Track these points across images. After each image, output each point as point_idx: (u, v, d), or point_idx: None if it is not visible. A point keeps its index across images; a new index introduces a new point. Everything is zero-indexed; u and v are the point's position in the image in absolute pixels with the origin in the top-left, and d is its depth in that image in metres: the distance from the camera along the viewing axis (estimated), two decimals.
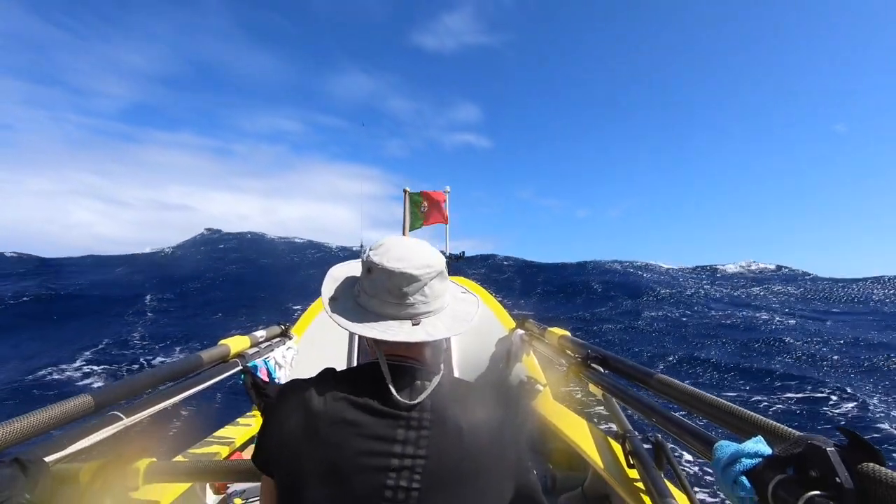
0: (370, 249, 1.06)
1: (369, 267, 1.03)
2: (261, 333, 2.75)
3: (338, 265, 1.19)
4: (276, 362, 2.70)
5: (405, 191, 5.67)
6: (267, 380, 2.51)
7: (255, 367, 2.44)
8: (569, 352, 2.52)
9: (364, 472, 0.90)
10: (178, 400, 1.76)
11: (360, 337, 1.08)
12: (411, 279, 1.00)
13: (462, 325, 1.07)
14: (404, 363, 1.02)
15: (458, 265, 5.45)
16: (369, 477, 0.90)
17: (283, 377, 2.74)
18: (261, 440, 1.04)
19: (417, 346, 1.05)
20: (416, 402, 0.95)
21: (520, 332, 3.41)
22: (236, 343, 2.43)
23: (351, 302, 1.07)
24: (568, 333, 2.74)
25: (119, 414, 1.45)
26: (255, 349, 2.57)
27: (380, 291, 1.01)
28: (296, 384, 1.04)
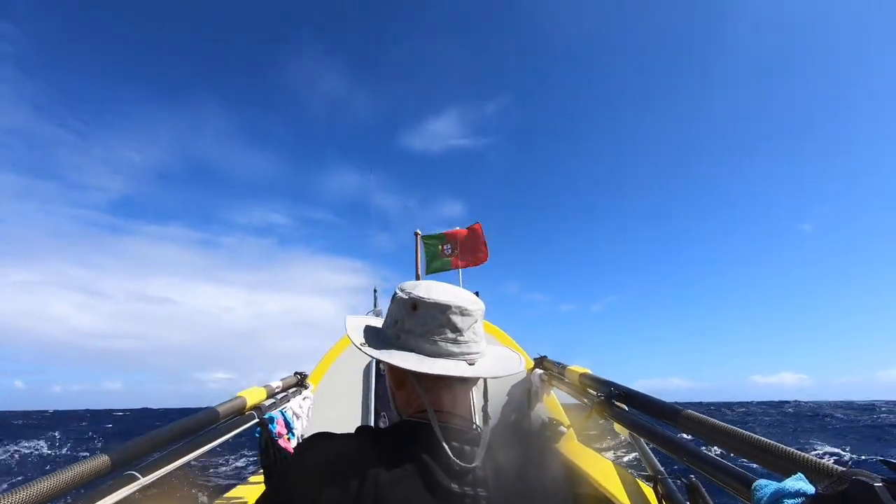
0: (407, 289, 0.96)
1: (414, 304, 0.92)
2: (277, 384, 2.72)
3: (350, 316, 1.07)
4: (294, 413, 2.66)
5: (416, 233, 5.62)
6: (284, 431, 2.46)
7: (273, 418, 2.40)
8: (591, 390, 2.45)
9: None
10: (195, 456, 1.73)
11: (377, 387, 1.01)
12: (466, 312, 0.92)
13: (511, 363, 1.00)
14: (450, 423, 0.91)
15: None
16: None
17: (300, 428, 2.70)
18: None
19: (462, 399, 0.96)
20: (470, 470, 0.84)
21: (539, 371, 3.34)
22: (252, 395, 2.40)
23: (388, 348, 0.94)
24: (589, 371, 2.67)
25: (135, 473, 1.43)
26: (272, 400, 2.54)
27: (431, 328, 0.91)
28: (328, 443, 0.87)
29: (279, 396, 2.66)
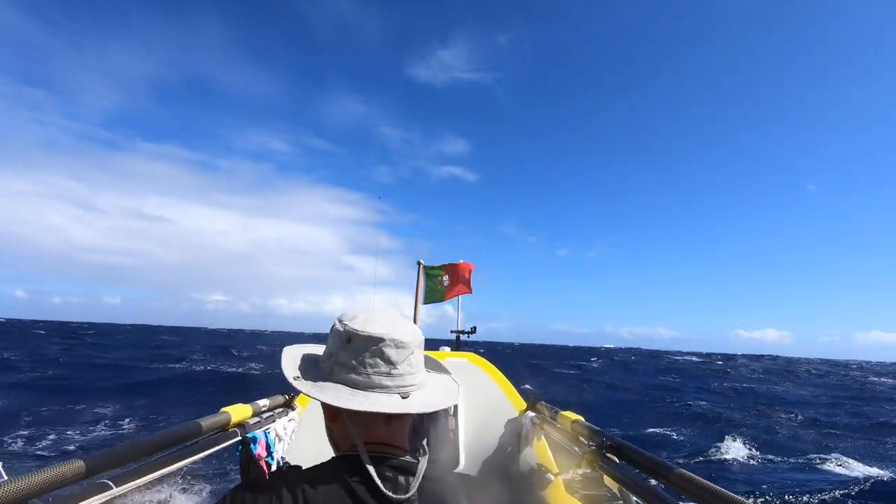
0: (344, 320, 0.96)
1: (349, 336, 0.92)
2: (264, 402, 2.67)
3: (289, 346, 1.07)
4: (277, 434, 2.60)
5: (419, 263, 5.67)
6: (265, 454, 2.40)
7: (255, 438, 2.35)
8: (582, 438, 2.39)
9: None
10: (171, 470, 1.68)
11: (343, 417, 0.94)
12: (400, 344, 0.91)
13: (451, 395, 0.99)
14: (385, 453, 0.89)
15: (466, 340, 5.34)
16: None
17: (280, 451, 2.63)
18: None
19: (398, 428, 0.94)
20: (402, 500, 0.83)
21: (531, 413, 3.27)
22: (237, 412, 2.35)
23: (322, 381, 0.94)
24: (581, 419, 2.62)
25: (109, 482, 1.39)
26: (257, 419, 2.49)
27: (364, 362, 0.91)
28: (258, 490, 0.85)
29: (265, 415, 2.60)
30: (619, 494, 1.92)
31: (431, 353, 4.10)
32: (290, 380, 0.96)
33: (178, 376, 25.39)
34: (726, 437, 15.44)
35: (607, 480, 1.96)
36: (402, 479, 0.86)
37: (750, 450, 14.42)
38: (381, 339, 0.90)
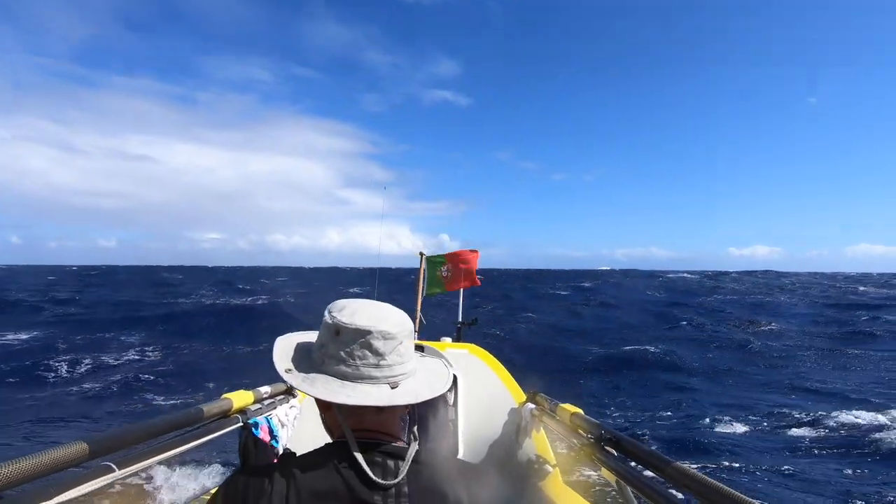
0: (333, 312, 0.99)
1: (337, 329, 0.95)
2: (265, 389, 2.69)
3: (283, 336, 1.10)
4: (279, 420, 2.62)
5: (421, 254, 5.68)
6: (268, 438, 2.43)
7: (257, 423, 2.37)
8: (581, 431, 2.41)
9: None
10: (174, 455, 1.71)
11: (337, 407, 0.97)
12: (388, 336, 0.93)
13: (442, 383, 1.01)
14: (376, 439, 0.93)
15: (468, 331, 5.36)
16: None
17: (284, 437, 2.66)
18: None
19: (390, 417, 0.97)
20: (390, 485, 0.86)
21: (530, 405, 3.28)
22: (239, 398, 2.37)
23: (314, 372, 0.97)
24: (580, 411, 2.63)
25: (111, 465, 1.41)
26: (258, 405, 2.51)
27: (352, 354, 0.93)
28: (253, 474, 0.90)
29: (266, 402, 2.63)
30: (616, 486, 1.93)
31: (432, 344, 4.14)
32: (282, 373, 0.98)
33: (189, 310, 26.62)
34: (707, 353, 17.39)
35: (605, 472, 1.97)
36: (391, 463, 0.89)
37: (721, 368, 16.08)
38: (369, 332, 0.92)
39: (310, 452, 0.94)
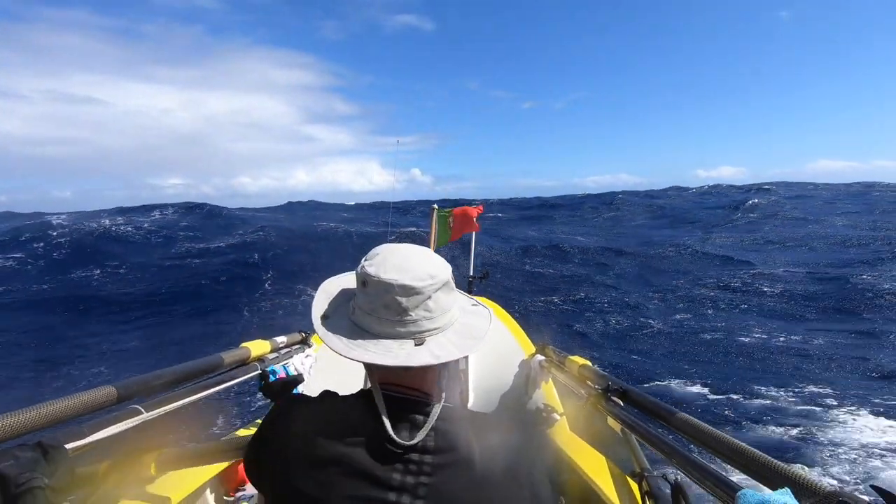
0: (364, 260, 0.94)
1: (364, 280, 0.91)
2: (281, 339, 2.78)
3: (331, 278, 1.07)
4: (295, 369, 2.72)
5: (433, 208, 5.68)
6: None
7: (275, 371, 2.46)
8: (589, 382, 2.46)
9: None
10: (197, 399, 1.79)
11: None
12: (411, 291, 0.88)
13: (473, 343, 0.94)
14: (402, 394, 0.91)
15: (480, 285, 5.41)
16: None
17: (300, 385, 2.76)
18: (247, 456, 0.98)
19: (420, 372, 0.92)
20: (414, 441, 0.84)
21: (539, 357, 3.36)
22: (256, 347, 2.46)
23: (346, 320, 0.95)
24: (589, 363, 2.68)
25: (139, 408, 1.48)
26: (275, 354, 2.60)
27: (377, 307, 0.89)
28: (293, 402, 0.95)
29: (283, 352, 2.71)
30: (621, 434, 1.99)
31: None
32: (315, 318, 0.97)
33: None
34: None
35: (611, 422, 2.03)
36: (418, 418, 0.88)
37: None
38: (392, 286, 0.88)
39: (345, 396, 0.95)
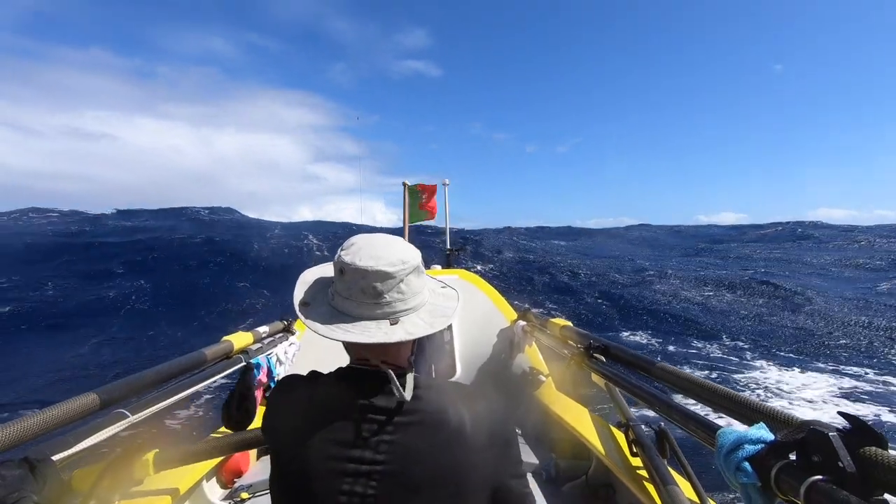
0: (340, 249, 1.02)
1: (341, 268, 0.99)
2: (264, 329, 2.76)
3: (308, 269, 1.15)
4: (279, 359, 2.71)
5: (404, 184, 5.64)
6: (265, 379, 2.52)
7: (259, 365, 2.45)
8: (571, 342, 2.53)
9: (324, 477, 0.91)
10: (183, 397, 1.77)
11: None
12: (385, 276, 0.96)
13: (442, 320, 1.03)
14: (376, 367, 0.99)
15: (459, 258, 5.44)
16: (327, 482, 0.90)
17: (283, 373, 2.75)
18: (263, 425, 1.11)
19: (393, 348, 1.02)
20: (380, 405, 0.94)
21: (521, 323, 3.42)
22: (239, 339, 2.43)
23: (326, 307, 1.03)
24: (570, 324, 2.75)
25: (124, 412, 1.46)
26: (258, 345, 2.58)
27: (354, 293, 0.98)
28: (284, 380, 1.09)
29: (266, 341, 2.70)
30: (605, 389, 2.06)
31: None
32: (296, 306, 1.05)
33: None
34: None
35: (595, 378, 2.09)
36: (388, 388, 0.95)
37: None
38: (366, 272, 0.95)
39: (330, 373, 1.05)
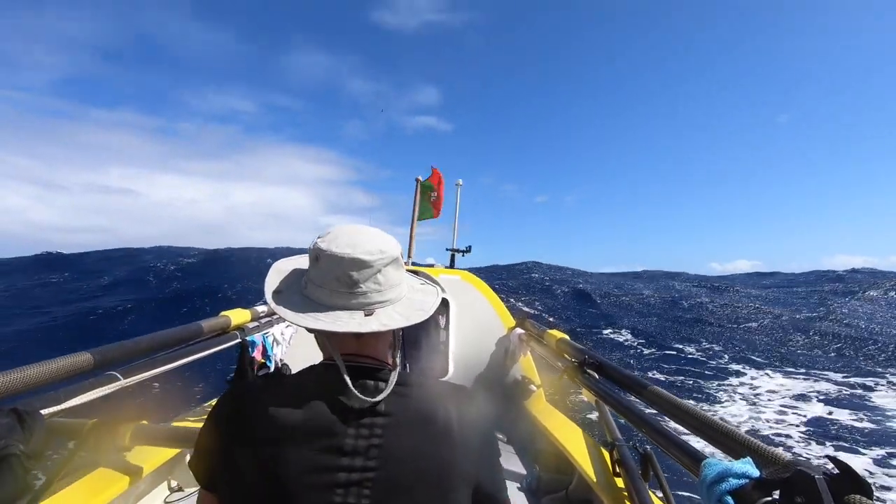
0: (317, 237, 0.97)
1: (317, 255, 0.94)
2: (262, 308, 2.77)
3: (284, 259, 1.09)
4: (275, 339, 2.72)
5: (417, 180, 5.61)
6: (260, 358, 2.53)
7: (254, 342, 2.46)
8: (566, 355, 2.52)
9: (310, 491, 0.81)
10: (176, 366, 1.78)
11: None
12: (362, 265, 0.91)
13: (419, 314, 0.97)
14: (356, 362, 0.93)
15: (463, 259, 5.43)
16: (316, 496, 0.80)
17: (279, 354, 2.76)
18: (197, 449, 0.94)
19: (371, 342, 0.96)
20: (368, 402, 0.86)
21: (519, 331, 3.42)
22: (237, 316, 2.44)
23: (297, 295, 0.97)
24: (566, 337, 2.74)
25: (117, 374, 1.47)
26: (256, 323, 2.59)
27: (328, 280, 0.92)
28: (240, 387, 0.95)
29: (263, 320, 2.71)
30: (595, 406, 2.06)
31: (426, 270, 4.21)
32: (267, 294, 0.98)
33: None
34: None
35: (586, 393, 2.09)
36: (371, 384, 0.90)
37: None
38: (342, 260, 0.90)
39: (300, 371, 0.97)
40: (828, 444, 8.46)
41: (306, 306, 0.94)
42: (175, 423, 2.10)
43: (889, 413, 10.12)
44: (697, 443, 1.31)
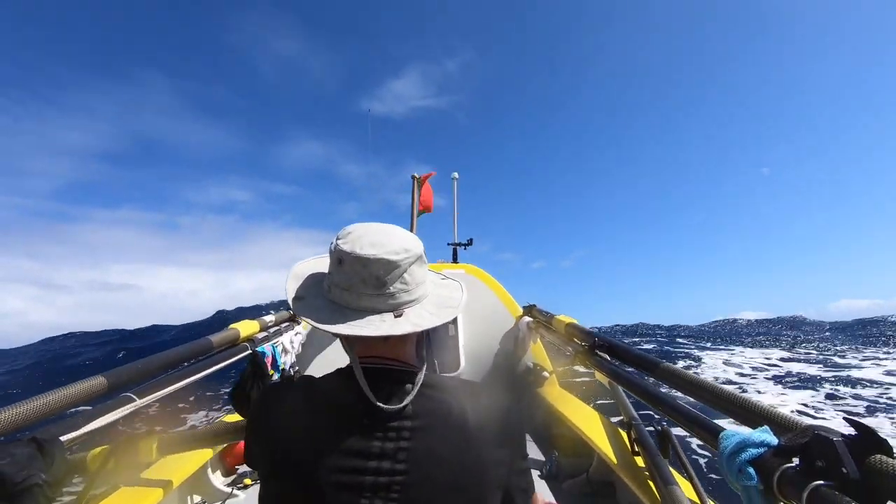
0: (337, 238, 0.94)
1: (339, 257, 0.91)
2: (270, 318, 2.77)
3: (300, 262, 1.07)
4: (284, 347, 2.72)
5: (413, 176, 5.63)
6: (271, 368, 2.54)
7: (264, 353, 2.47)
8: (576, 339, 2.53)
9: (339, 492, 0.80)
10: (189, 382, 1.79)
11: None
12: (389, 266, 0.88)
13: (450, 311, 0.96)
14: (384, 365, 0.91)
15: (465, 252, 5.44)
16: (344, 497, 0.80)
17: (288, 362, 2.77)
18: (247, 441, 0.98)
19: (398, 343, 0.94)
20: (395, 409, 0.85)
21: (527, 319, 3.42)
22: (245, 327, 2.45)
23: (322, 300, 0.95)
24: (575, 321, 2.74)
25: (132, 395, 1.48)
26: (264, 333, 2.60)
27: (355, 283, 0.89)
28: (269, 390, 0.96)
29: (272, 330, 2.71)
30: (609, 387, 2.06)
31: (430, 266, 4.22)
32: (290, 300, 0.96)
33: None
34: None
35: (598, 376, 2.09)
36: (398, 389, 0.88)
37: None
38: (368, 261, 0.88)
39: (324, 376, 0.95)
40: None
41: (333, 311, 0.92)
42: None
43: None
44: (712, 416, 1.32)
